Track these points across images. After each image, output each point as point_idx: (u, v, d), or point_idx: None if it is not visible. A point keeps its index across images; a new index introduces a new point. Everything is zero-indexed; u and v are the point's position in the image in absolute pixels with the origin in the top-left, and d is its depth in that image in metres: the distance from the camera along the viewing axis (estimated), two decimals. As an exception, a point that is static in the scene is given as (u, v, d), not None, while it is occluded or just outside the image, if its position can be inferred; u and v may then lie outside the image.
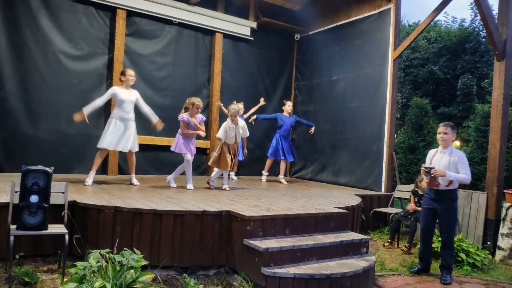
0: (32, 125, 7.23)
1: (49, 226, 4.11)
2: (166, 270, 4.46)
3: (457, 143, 15.76)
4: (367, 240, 4.98)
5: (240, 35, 9.54)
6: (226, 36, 9.37)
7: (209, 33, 9.19)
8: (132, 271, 3.42)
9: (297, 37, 10.40)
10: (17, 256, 4.26)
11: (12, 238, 3.85)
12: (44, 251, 4.55)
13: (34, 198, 3.95)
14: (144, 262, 3.62)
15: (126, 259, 3.48)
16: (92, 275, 3.33)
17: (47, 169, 4.09)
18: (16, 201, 4.04)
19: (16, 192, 4.12)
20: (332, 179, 9.08)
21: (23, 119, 7.16)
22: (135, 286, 3.36)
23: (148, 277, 3.54)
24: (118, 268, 3.40)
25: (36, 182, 3.98)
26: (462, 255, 5.58)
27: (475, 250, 5.71)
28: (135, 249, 3.82)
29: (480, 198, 6.47)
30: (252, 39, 9.73)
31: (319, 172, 9.52)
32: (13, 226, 3.99)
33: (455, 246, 5.56)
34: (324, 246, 4.52)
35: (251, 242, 4.26)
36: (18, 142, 7.11)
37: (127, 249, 3.73)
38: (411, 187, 7.44)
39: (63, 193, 4.46)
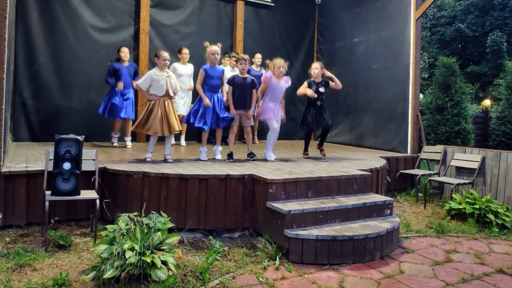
0: (64, 96, 7.57)
1: (81, 191, 4.29)
2: (192, 232, 4.59)
3: (487, 102, 15.27)
4: (391, 202, 4.96)
5: (261, 2, 9.57)
6: (248, 3, 9.43)
7: (231, 1, 9.28)
8: (159, 233, 3.53)
9: (318, 1, 10.25)
10: (52, 221, 4.51)
11: (47, 203, 4.04)
12: (77, 216, 4.77)
13: (66, 165, 4.13)
14: (170, 225, 3.73)
15: (153, 222, 3.59)
16: (121, 237, 3.46)
17: (78, 137, 4.25)
18: (51, 168, 4.23)
19: (50, 160, 4.33)
20: (357, 142, 9.01)
21: (56, 90, 7.51)
22: (162, 247, 3.48)
23: (174, 239, 3.66)
24: (145, 230, 3.52)
25: (68, 150, 4.15)
26: (491, 216, 5.49)
27: (505, 211, 5.62)
28: (162, 213, 3.94)
29: (509, 158, 6.29)
30: (273, 5, 9.76)
31: (343, 135, 9.47)
32: (48, 192, 4.19)
33: (482, 206, 5.49)
34: (347, 208, 4.54)
35: (274, 204, 4.31)
36: (51, 113, 7.47)
37: (154, 212, 3.86)
38: (439, 148, 7.33)
39: (93, 160, 4.65)
